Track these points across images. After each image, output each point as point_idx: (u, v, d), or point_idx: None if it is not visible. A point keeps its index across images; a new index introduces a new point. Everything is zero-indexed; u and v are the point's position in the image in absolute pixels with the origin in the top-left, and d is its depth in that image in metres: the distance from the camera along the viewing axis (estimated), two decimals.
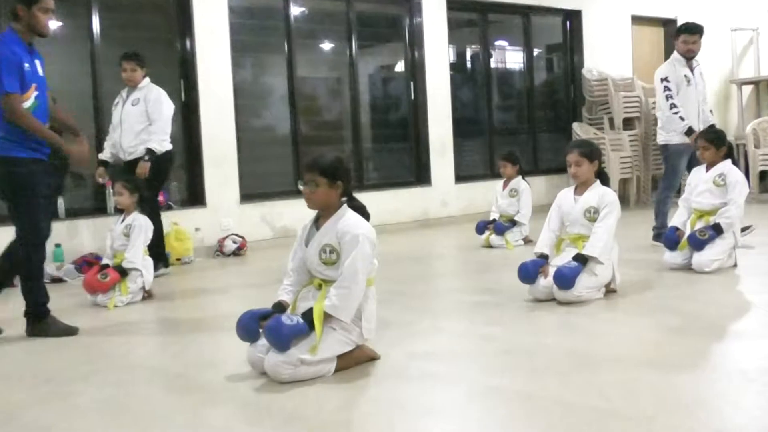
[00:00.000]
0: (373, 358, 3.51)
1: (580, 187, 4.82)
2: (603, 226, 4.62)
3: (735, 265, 5.51)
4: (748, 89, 11.97)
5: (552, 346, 3.70)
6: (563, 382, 3.09)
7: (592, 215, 4.69)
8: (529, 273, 4.68)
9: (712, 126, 6.41)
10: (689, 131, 6.46)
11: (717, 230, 5.38)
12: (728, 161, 5.58)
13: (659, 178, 11.14)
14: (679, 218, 5.69)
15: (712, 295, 4.77)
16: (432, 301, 5.10)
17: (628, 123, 10.70)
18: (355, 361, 3.42)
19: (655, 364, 3.28)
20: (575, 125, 10.68)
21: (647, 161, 10.87)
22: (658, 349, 3.55)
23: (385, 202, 9.08)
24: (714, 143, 5.59)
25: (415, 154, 9.74)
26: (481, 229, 7.45)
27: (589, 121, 10.92)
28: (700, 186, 5.60)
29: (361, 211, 3.47)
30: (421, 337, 3.98)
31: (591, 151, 4.74)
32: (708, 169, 5.61)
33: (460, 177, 9.96)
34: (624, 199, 10.74)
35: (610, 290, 4.77)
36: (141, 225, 5.44)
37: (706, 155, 5.60)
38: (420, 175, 9.69)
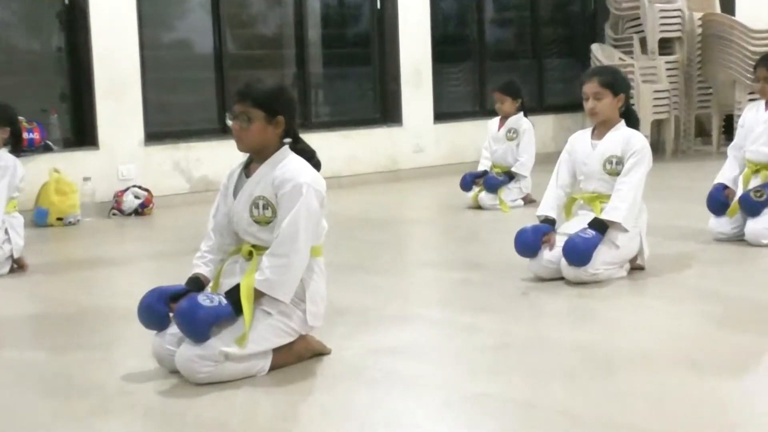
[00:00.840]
0: (320, 352, 3.53)
1: (600, 129, 4.85)
2: (628, 183, 4.66)
3: None
4: None
5: (557, 340, 3.75)
6: (571, 389, 3.14)
7: (615, 167, 4.73)
8: (529, 243, 4.72)
9: None
10: None
11: None
12: None
13: (705, 119, 11.34)
14: (728, 172, 5.75)
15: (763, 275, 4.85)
16: (401, 278, 5.12)
17: (665, 46, 10.75)
18: (297, 357, 3.44)
19: (692, 367, 3.34)
20: (595, 47, 10.72)
21: (690, 97, 10.95)
22: (696, 347, 3.60)
23: (339, 147, 9.06)
24: None
25: (380, 84, 9.72)
26: (467, 184, 7.48)
27: (613, 43, 10.97)
28: (758, 128, 5.63)
29: (309, 156, 3.47)
30: (385, 327, 4.00)
31: (615, 81, 4.76)
32: None
33: (441, 115, 9.97)
34: (658, 147, 10.83)
35: (636, 267, 4.84)
36: (6, 166, 5.31)
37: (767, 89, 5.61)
38: (387, 111, 9.68)
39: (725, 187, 5.65)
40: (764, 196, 5.39)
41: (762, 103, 5.70)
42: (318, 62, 9.60)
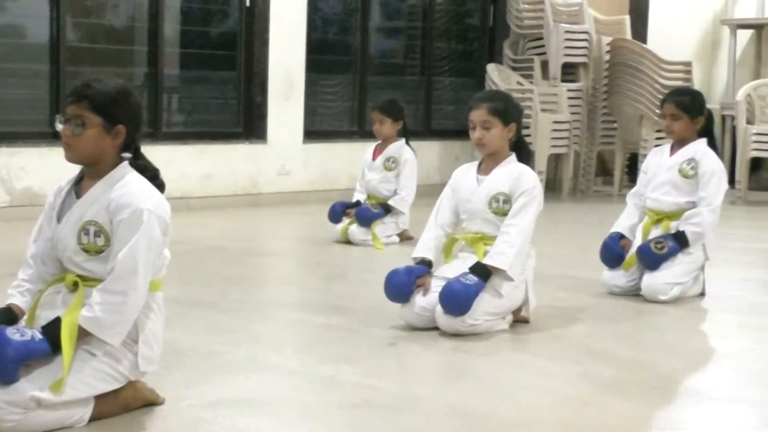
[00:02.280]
0: (152, 402, 3.49)
1: (487, 163, 4.93)
2: (517, 225, 4.74)
3: (702, 294, 5.80)
4: (745, 35, 12.55)
5: (428, 400, 3.78)
6: None
7: (501, 206, 4.81)
8: (401, 286, 4.76)
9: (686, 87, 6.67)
10: None
11: (680, 242, 5.61)
12: (704, 141, 5.80)
13: (608, 156, 11.64)
14: (626, 221, 5.92)
15: (665, 337, 4.99)
16: (253, 320, 5.11)
17: (569, 72, 11.01)
18: (124, 407, 3.40)
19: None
20: (491, 68, 10.91)
21: (593, 131, 11.24)
22: (580, 413, 3.69)
23: (193, 163, 9.02)
24: (688, 110, 5.77)
25: (245, 93, 9.70)
26: (337, 214, 7.52)
27: (512, 64, 11.18)
28: (661, 175, 5.83)
29: (152, 176, 3.44)
30: (231, 376, 3.99)
31: (507, 109, 4.84)
32: (674, 150, 5.85)
33: (313, 133, 10.01)
34: (554, 185, 11.11)
35: (519, 319, 4.93)
36: None
37: (674, 128, 5.77)
38: (251, 125, 9.68)
39: (622, 236, 5.82)
40: (665, 249, 5.56)
41: (667, 148, 5.90)
42: (174, 63, 9.55)
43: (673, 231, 5.66)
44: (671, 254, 5.57)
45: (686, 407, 3.88)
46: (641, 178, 5.99)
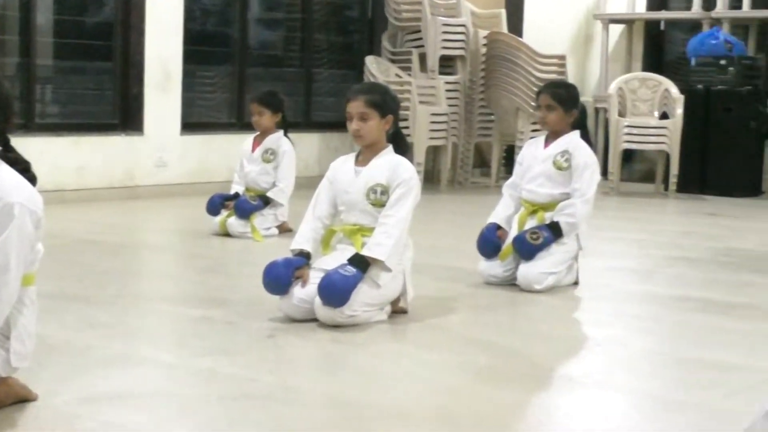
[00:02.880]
0: (25, 398, 3.43)
1: (365, 154, 4.95)
2: (394, 216, 4.77)
3: (576, 283, 5.91)
4: (617, 30, 12.82)
5: (307, 391, 3.80)
6: None
7: (379, 197, 4.83)
8: (279, 278, 4.76)
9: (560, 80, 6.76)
10: None
11: (555, 232, 5.71)
12: (577, 134, 5.90)
13: (485, 148, 11.77)
14: (502, 211, 5.99)
15: (539, 326, 5.09)
16: (129, 314, 5.06)
17: (447, 64, 11.10)
18: None
19: (450, 423, 3.46)
20: (370, 60, 10.94)
21: (470, 123, 11.35)
22: (456, 401, 3.74)
23: (67, 155, 8.87)
24: (563, 102, 5.85)
25: (121, 84, 9.57)
26: (215, 207, 7.47)
27: (391, 57, 11.22)
28: (536, 167, 5.92)
29: (23, 168, 3.38)
30: (106, 370, 3.94)
31: (384, 100, 4.86)
32: (548, 143, 5.95)
33: (190, 125, 9.92)
34: (433, 176, 11.20)
35: (398, 310, 4.96)
36: None
37: (549, 119, 5.85)
38: (127, 116, 9.55)
39: (498, 227, 5.89)
40: (540, 239, 5.66)
41: (541, 140, 5.99)
42: (48, 52, 9.37)
43: (547, 222, 5.75)
44: (546, 244, 5.66)
45: (560, 394, 3.95)
46: (517, 169, 6.08)
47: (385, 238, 4.74)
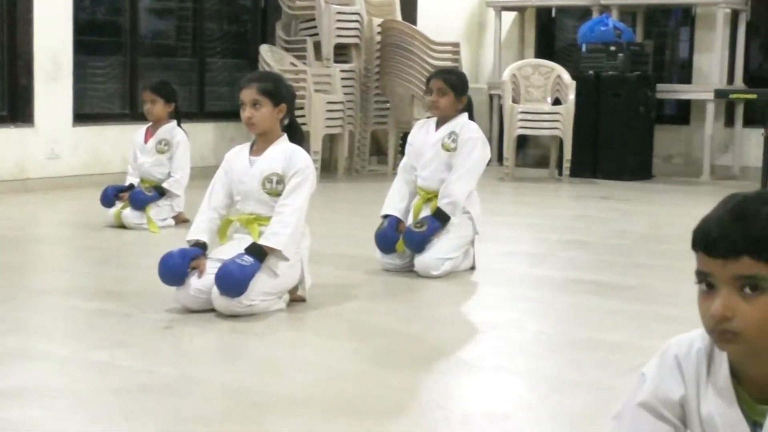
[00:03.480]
0: None
1: (260, 144, 4.95)
2: (291, 205, 4.78)
3: (473, 268, 5.98)
4: (509, 17, 12.95)
5: (204, 381, 3.79)
6: None
7: (275, 186, 4.83)
8: (175, 269, 4.73)
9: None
10: None
11: (440, 218, 5.74)
12: (465, 115, 5.96)
13: (382, 136, 11.80)
14: (398, 201, 5.96)
15: (437, 311, 5.14)
16: (21, 308, 4.98)
17: (341, 53, 11.10)
18: None
19: (350, 408, 3.49)
20: (264, 49, 10.89)
21: (366, 111, 11.37)
22: (357, 387, 3.76)
23: None
24: (454, 87, 5.88)
25: (9, 76, 9.39)
26: (109, 198, 7.38)
27: (285, 45, 11.18)
28: (427, 153, 5.94)
29: None
30: (0, 367, 3.89)
31: (277, 89, 4.86)
32: (439, 126, 5.99)
33: (82, 116, 9.78)
34: (330, 165, 11.21)
35: (296, 298, 4.97)
36: None
37: (440, 103, 5.87)
38: (16, 108, 9.37)
39: (399, 220, 5.87)
40: (425, 227, 5.69)
41: (432, 122, 6.03)
42: None
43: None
44: (432, 232, 5.68)
45: (457, 377, 3.99)
46: (408, 149, 6.10)
47: (281, 228, 4.74)
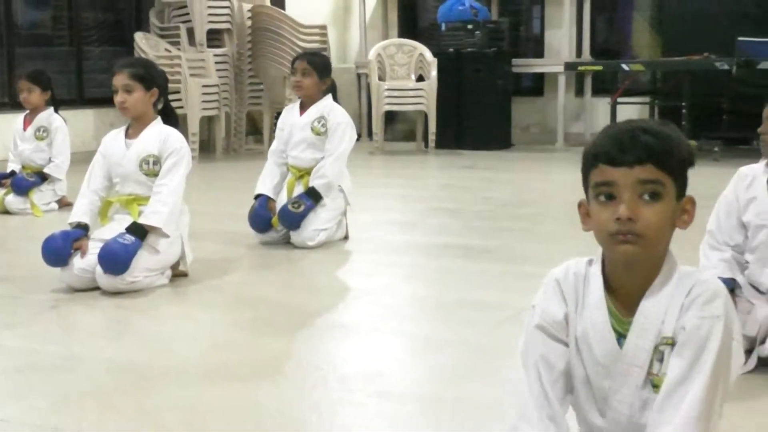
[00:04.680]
0: None
1: (135, 127, 4.89)
2: (168, 185, 4.73)
3: (346, 237, 5.99)
4: (372, 0, 12.96)
5: (90, 357, 3.73)
6: (103, 409, 3.14)
7: (152, 167, 4.78)
8: (60, 250, 4.65)
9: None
10: None
11: (313, 196, 5.75)
12: (329, 97, 5.98)
13: (257, 116, 11.74)
14: (269, 181, 5.96)
15: (313, 279, 5.15)
16: None
17: (214, 38, 11.01)
18: None
19: (232, 375, 3.47)
20: (139, 36, 10.73)
21: (241, 93, 11.31)
22: (235, 355, 3.74)
23: None
24: (318, 69, 5.86)
25: None
26: None
27: (159, 32, 11.05)
28: (296, 135, 5.94)
29: None
30: None
31: (148, 74, 4.82)
32: (304, 109, 5.96)
33: None
34: (208, 145, 11.12)
35: (178, 273, 4.93)
36: None
37: (304, 83, 5.84)
38: None
39: (270, 199, 5.87)
40: (302, 207, 5.69)
41: (297, 107, 6.01)
42: None
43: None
44: (308, 211, 5.70)
45: (334, 340, 4.01)
46: (278, 134, 6.08)
47: (160, 206, 4.70)
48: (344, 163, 5.92)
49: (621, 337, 2.11)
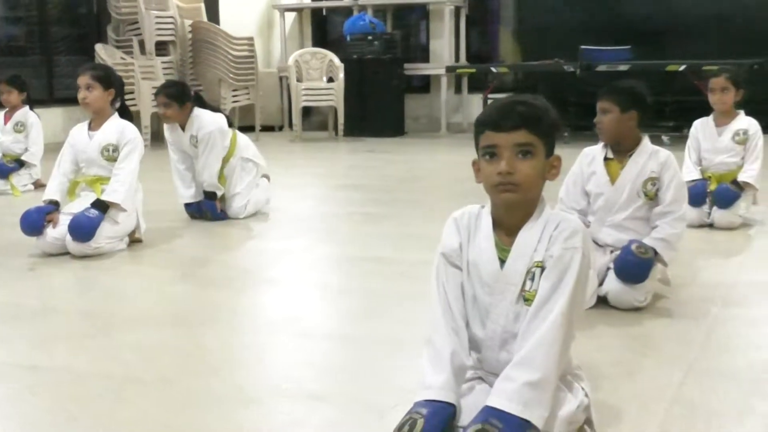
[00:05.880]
0: None
1: (95, 121, 4.80)
2: (125, 168, 4.67)
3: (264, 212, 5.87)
4: (291, 16, 12.85)
5: (65, 309, 3.69)
6: (74, 350, 3.11)
7: (111, 154, 4.70)
8: (35, 223, 4.57)
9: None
10: None
11: (209, 197, 5.60)
12: (199, 109, 5.59)
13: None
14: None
15: (245, 243, 5.14)
16: None
17: (161, 48, 10.83)
18: None
19: (179, 321, 3.46)
20: (98, 47, 10.50)
21: None
22: (184, 305, 3.73)
23: None
24: (177, 99, 5.46)
25: None
26: None
27: (116, 43, 10.82)
28: (183, 148, 5.66)
29: None
30: None
31: (106, 76, 4.73)
32: (185, 131, 5.61)
33: None
34: (159, 136, 10.91)
35: (135, 240, 4.87)
36: None
37: (169, 113, 5.49)
38: None
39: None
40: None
41: (179, 128, 5.61)
42: None
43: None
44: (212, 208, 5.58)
45: (262, 291, 4.02)
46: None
47: (119, 186, 4.64)
48: (219, 163, 5.58)
49: (502, 262, 2.17)
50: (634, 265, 3.46)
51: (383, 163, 8.75)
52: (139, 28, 10.65)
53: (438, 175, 7.96)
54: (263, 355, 3.09)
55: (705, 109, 5.41)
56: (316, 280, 4.19)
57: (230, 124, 5.77)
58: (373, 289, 3.92)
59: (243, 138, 5.85)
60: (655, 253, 3.51)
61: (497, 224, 2.20)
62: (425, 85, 12.26)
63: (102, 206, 4.59)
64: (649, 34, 10.41)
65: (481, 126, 2.13)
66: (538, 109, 2.11)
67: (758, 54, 9.40)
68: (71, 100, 10.30)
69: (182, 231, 5.33)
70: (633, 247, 3.49)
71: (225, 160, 5.65)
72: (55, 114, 9.97)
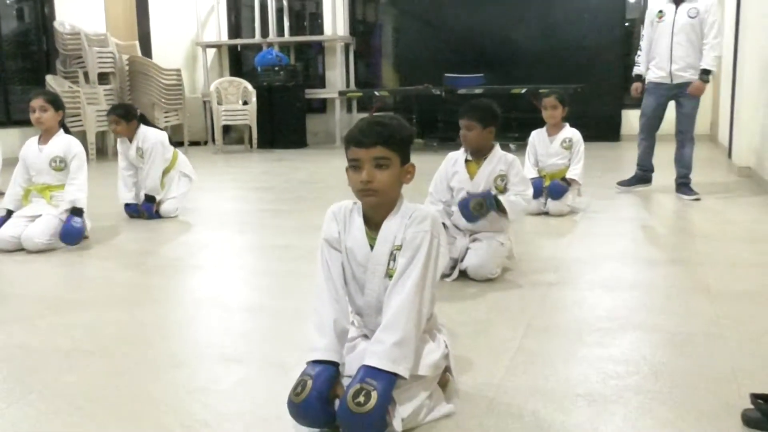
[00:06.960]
0: None
1: (44, 137, 4.64)
2: (80, 177, 4.55)
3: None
4: (212, 51, 12.61)
5: (22, 294, 3.53)
6: (28, 328, 2.98)
7: (58, 165, 4.55)
8: None
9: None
10: (637, 78, 6.05)
11: (150, 200, 5.49)
12: (143, 127, 5.51)
13: None
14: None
15: (176, 236, 5.00)
16: None
17: (103, 78, 10.49)
18: None
19: (121, 302, 3.36)
20: (49, 78, 10.07)
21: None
22: (125, 289, 3.62)
23: None
24: (123, 116, 5.42)
25: None
26: None
27: (64, 75, 10.41)
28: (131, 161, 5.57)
29: None
30: None
31: (56, 100, 4.59)
32: (131, 143, 5.55)
33: None
34: (103, 150, 10.60)
35: (85, 237, 4.70)
36: None
37: (120, 129, 5.47)
38: None
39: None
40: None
41: (126, 141, 5.55)
42: None
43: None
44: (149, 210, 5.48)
45: (190, 276, 3.91)
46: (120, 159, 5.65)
47: (80, 193, 4.55)
48: (160, 171, 5.49)
49: (371, 247, 2.17)
50: (466, 203, 3.63)
51: (289, 170, 8.68)
52: (83, 62, 10.28)
53: (333, 178, 7.94)
54: (190, 326, 3.03)
55: (540, 123, 5.57)
56: (234, 264, 4.12)
57: (171, 143, 5.67)
58: (280, 270, 3.90)
59: (182, 156, 5.78)
60: (496, 201, 3.60)
61: (366, 218, 2.20)
62: (322, 106, 12.22)
63: (79, 212, 4.51)
64: (498, 65, 10.67)
65: (348, 142, 2.11)
66: (393, 129, 2.09)
67: (579, 80, 9.75)
68: (25, 122, 9.95)
69: (123, 228, 5.17)
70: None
71: (166, 171, 5.57)
72: (13, 134, 9.50)
